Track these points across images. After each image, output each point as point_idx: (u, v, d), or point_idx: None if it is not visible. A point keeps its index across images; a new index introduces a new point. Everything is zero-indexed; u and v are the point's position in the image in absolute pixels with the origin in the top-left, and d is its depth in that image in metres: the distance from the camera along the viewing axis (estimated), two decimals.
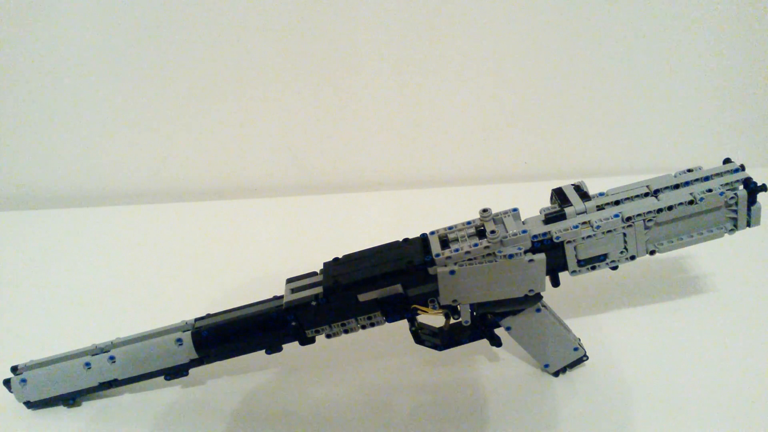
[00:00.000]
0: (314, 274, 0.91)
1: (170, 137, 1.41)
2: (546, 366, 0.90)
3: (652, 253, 0.84)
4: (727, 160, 0.86)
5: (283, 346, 0.90)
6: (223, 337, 0.89)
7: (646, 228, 0.83)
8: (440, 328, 0.90)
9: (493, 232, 0.81)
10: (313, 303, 0.85)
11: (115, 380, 0.90)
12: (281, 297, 0.89)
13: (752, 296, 1.00)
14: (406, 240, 0.88)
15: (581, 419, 0.84)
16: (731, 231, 0.84)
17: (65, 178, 1.45)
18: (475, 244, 0.81)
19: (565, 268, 0.84)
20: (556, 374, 0.90)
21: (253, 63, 1.34)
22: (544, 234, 0.82)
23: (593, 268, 0.84)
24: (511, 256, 0.80)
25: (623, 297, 1.02)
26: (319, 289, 0.86)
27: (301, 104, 1.38)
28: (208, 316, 0.92)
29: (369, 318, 0.87)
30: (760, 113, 1.41)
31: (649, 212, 0.82)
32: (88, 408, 0.93)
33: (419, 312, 0.86)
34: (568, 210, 0.83)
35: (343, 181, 1.46)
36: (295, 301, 0.86)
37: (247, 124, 1.40)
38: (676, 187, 0.84)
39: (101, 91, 1.37)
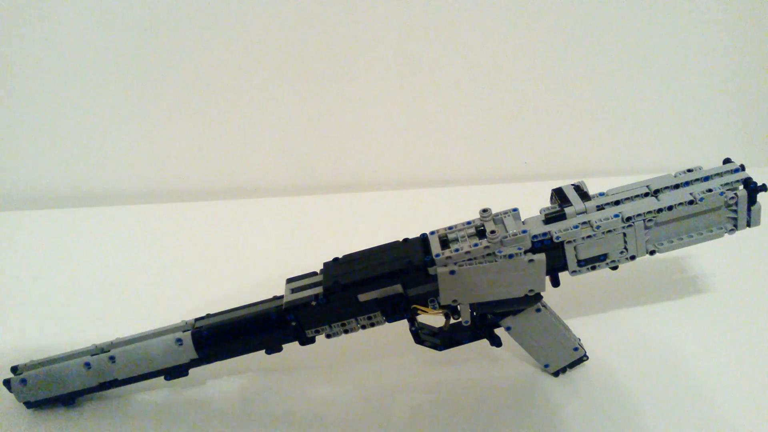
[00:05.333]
0: (314, 274, 0.91)
1: (170, 137, 1.41)
2: (546, 366, 0.90)
3: (652, 253, 0.84)
4: (727, 160, 0.86)
5: (283, 346, 0.90)
6: (223, 337, 0.89)
7: (646, 228, 0.83)
8: (440, 328, 0.90)
9: (493, 232, 0.81)
10: (313, 303, 0.85)
11: (115, 380, 0.90)
12: (281, 297, 0.89)
13: (752, 296, 1.01)
14: (406, 240, 0.88)
15: (581, 419, 0.84)
16: (731, 231, 0.84)
17: (65, 178, 1.45)
18: (475, 244, 0.81)
19: (565, 268, 0.84)
20: (556, 374, 0.90)
21: (254, 63, 1.34)
22: (544, 234, 0.82)
23: (593, 268, 0.85)
24: (511, 256, 0.80)
25: (623, 297, 1.02)
26: (319, 289, 0.86)
27: (302, 104, 1.38)
28: (208, 316, 0.92)
29: (369, 318, 0.87)
30: (760, 113, 1.41)
31: (649, 212, 0.82)
32: (88, 408, 0.93)
33: (419, 312, 0.86)
34: (568, 210, 0.83)
35: (343, 181, 1.46)
36: (295, 301, 0.86)
37: (248, 124, 1.40)
38: (676, 187, 0.84)
39: (101, 92, 1.37)
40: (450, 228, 0.86)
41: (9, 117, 1.39)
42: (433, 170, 1.45)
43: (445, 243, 0.84)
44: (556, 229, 0.82)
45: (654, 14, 1.30)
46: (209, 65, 1.34)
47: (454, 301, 0.83)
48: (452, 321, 0.88)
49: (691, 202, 0.82)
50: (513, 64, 1.34)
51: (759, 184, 0.83)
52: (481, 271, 0.81)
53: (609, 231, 0.82)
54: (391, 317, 0.86)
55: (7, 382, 0.91)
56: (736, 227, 0.84)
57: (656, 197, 0.83)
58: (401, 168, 1.45)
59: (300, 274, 0.92)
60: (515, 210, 0.85)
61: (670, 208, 0.82)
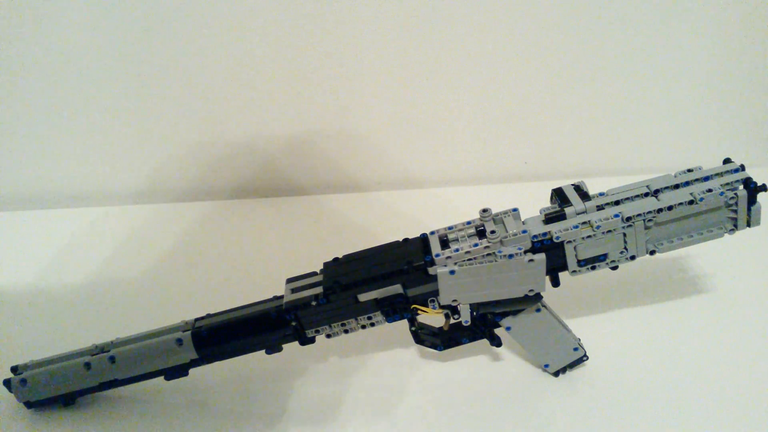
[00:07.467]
0: (314, 274, 0.91)
1: (170, 137, 1.41)
2: (546, 366, 0.90)
3: (652, 253, 0.85)
4: (727, 160, 0.86)
5: (283, 346, 0.90)
6: (223, 337, 0.89)
7: (646, 228, 0.83)
8: (440, 328, 0.90)
9: (493, 232, 0.81)
10: (313, 303, 0.85)
11: (115, 380, 0.90)
12: (281, 297, 0.89)
13: (752, 296, 1.01)
14: (406, 240, 0.88)
15: (581, 419, 0.84)
16: (731, 231, 0.84)
17: (65, 178, 1.45)
18: (475, 244, 0.81)
19: (565, 268, 0.84)
20: (556, 374, 0.90)
21: (253, 63, 1.34)
22: (544, 234, 0.82)
23: (593, 268, 0.85)
24: (511, 256, 0.80)
25: (623, 297, 1.02)
26: (319, 289, 0.86)
27: (302, 104, 1.38)
28: (208, 316, 0.92)
29: (369, 318, 0.87)
30: (760, 113, 1.41)
31: (649, 212, 0.82)
32: (88, 408, 0.93)
33: (419, 312, 0.86)
34: (568, 210, 0.83)
35: (343, 180, 1.46)
36: (295, 301, 0.86)
37: (247, 124, 1.40)
38: (676, 187, 0.84)
39: (101, 92, 1.36)
40: (450, 228, 0.86)
41: (9, 117, 1.39)
42: (433, 170, 1.45)
43: (445, 243, 0.84)
44: (556, 229, 0.82)
45: (654, 14, 1.30)
46: (209, 65, 1.34)
47: (454, 301, 0.83)
48: (452, 321, 0.88)
49: (691, 202, 0.82)
50: (513, 64, 1.34)
51: (759, 184, 0.83)
52: (481, 271, 0.81)
53: (609, 231, 0.82)
54: (391, 317, 0.86)
55: (7, 382, 0.91)
56: (736, 227, 0.84)
57: (656, 197, 0.83)
58: (401, 168, 1.45)
59: (300, 274, 0.92)
60: (515, 210, 0.85)
61: (670, 208, 0.82)
